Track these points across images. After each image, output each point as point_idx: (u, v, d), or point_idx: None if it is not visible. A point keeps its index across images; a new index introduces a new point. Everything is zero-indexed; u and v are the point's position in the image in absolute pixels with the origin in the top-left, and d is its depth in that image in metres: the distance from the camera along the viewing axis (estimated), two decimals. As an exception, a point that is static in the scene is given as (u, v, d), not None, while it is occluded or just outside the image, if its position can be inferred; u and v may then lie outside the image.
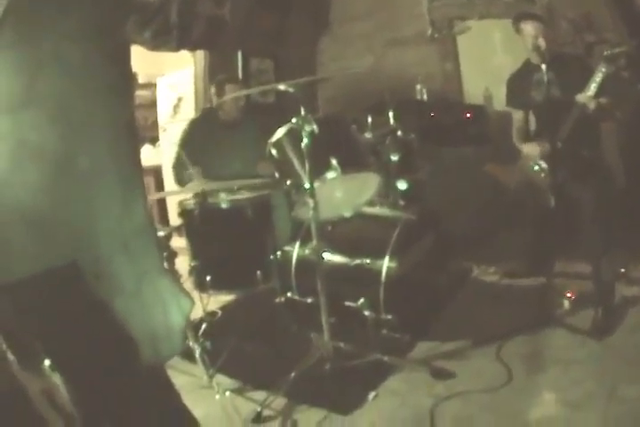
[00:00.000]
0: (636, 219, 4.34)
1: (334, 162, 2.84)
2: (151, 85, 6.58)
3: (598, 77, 3.35)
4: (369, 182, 3.13)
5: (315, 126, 2.69)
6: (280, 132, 2.91)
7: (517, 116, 4.13)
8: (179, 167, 3.99)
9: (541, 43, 3.64)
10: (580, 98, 3.42)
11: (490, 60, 6.02)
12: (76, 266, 1.06)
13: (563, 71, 3.64)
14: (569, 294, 3.52)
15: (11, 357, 2.11)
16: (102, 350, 1.20)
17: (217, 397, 2.80)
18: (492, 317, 3.52)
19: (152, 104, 6.48)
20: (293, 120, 2.76)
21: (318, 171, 2.79)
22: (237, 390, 2.93)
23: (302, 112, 2.72)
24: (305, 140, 2.68)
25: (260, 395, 2.82)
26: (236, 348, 3.15)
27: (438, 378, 2.86)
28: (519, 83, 4.02)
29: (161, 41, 4.55)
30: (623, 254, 3.88)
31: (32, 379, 2.11)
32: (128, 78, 1.25)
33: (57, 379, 2.17)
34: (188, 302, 1.11)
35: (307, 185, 2.72)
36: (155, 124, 6.38)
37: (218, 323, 3.58)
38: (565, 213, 3.53)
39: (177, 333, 1.11)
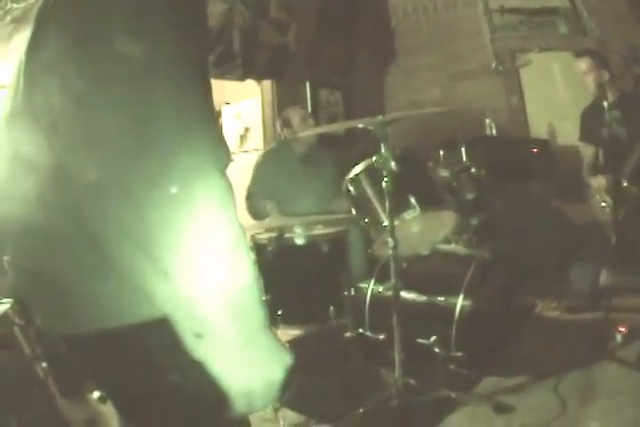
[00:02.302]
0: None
1: (413, 200, 2.84)
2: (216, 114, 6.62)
3: None
4: (445, 220, 3.12)
5: (394, 164, 2.69)
6: (358, 169, 2.92)
7: (589, 151, 4.23)
8: (252, 199, 4.02)
9: (594, 79, 3.99)
10: None
11: (551, 94, 6.06)
12: (165, 322, 1.03)
13: (629, 110, 3.80)
14: (622, 328, 3.48)
15: (52, 386, 2.13)
16: (178, 409, 1.19)
17: None
18: (553, 351, 3.51)
19: (217, 132, 6.50)
20: (374, 158, 2.75)
21: (397, 209, 2.78)
22: (302, 425, 2.92)
23: (382, 150, 2.72)
24: (385, 179, 2.67)
25: (324, 430, 2.81)
26: (303, 382, 3.13)
27: (499, 412, 2.83)
28: (592, 118, 4.12)
29: (225, 69, 4.58)
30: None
31: (75, 408, 2.13)
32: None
33: (104, 409, 2.18)
34: (288, 356, 1.09)
35: (386, 223, 2.71)
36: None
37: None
38: (625, 249, 3.56)
39: (274, 387, 1.08)
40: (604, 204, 3.76)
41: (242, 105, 6.05)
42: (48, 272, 1.13)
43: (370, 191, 2.87)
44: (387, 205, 2.69)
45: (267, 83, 5.49)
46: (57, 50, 1.04)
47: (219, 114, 6.36)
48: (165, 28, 1.03)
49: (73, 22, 1.04)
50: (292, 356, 1.09)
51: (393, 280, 2.82)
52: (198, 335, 1.00)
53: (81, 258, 1.10)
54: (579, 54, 4.22)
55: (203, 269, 0.98)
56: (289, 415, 2.93)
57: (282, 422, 2.79)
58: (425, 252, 3.07)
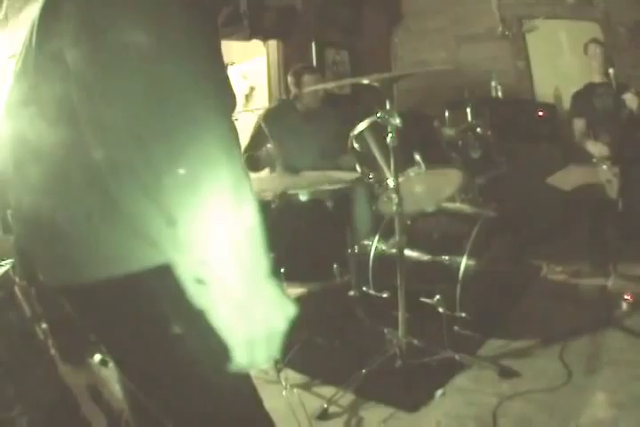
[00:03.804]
0: None
1: (418, 157, 2.82)
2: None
3: None
4: (451, 178, 3.10)
5: (399, 121, 2.66)
6: (363, 125, 2.89)
7: (579, 123, 4.59)
8: (257, 138, 4.05)
9: (596, 65, 4.51)
10: (627, 96, 4.08)
11: (557, 59, 6.08)
12: (168, 270, 1.03)
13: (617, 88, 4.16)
14: (627, 297, 3.52)
15: (53, 350, 2.13)
16: (182, 359, 1.19)
17: (284, 393, 2.71)
18: (558, 316, 3.52)
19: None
20: (378, 114, 2.71)
21: (402, 166, 2.76)
22: (305, 386, 2.92)
23: (387, 106, 2.67)
24: (390, 135, 2.63)
25: (327, 391, 2.81)
26: (306, 342, 3.12)
27: (504, 377, 2.84)
28: (581, 98, 4.64)
29: (232, 29, 4.53)
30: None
31: (76, 373, 2.12)
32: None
33: (106, 374, 2.18)
34: (291, 307, 1.08)
35: (391, 180, 2.69)
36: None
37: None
38: (631, 215, 3.72)
39: (276, 339, 1.07)
40: (605, 167, 3.94)
41: (247, 64, 6.00)
42: (50, 219, 1.12)
43: (374, 147, 2.85)
44: (391, 161, 2.66)
45: (272, 42, 5.43)
46: (66, 35, 1.03)
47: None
48: (178, 12, 1.02)
49: (83, 5, 1.03)
50: (295, 308, 1.07)
51: (397, 237, 2.80)
52: (201, 282, 1.00)
53: (85, 203, 1.10)
54: (588, 41, 4.67)
55: (207, 214, 0.98)
56: (292, 376, 2.94)
57: (284, 383, 2.77)
58: (430, 209, 3.07)
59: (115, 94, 0.97)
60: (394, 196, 2.69)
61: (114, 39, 0.96)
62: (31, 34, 1.14)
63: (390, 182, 2.69)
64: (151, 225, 1.03)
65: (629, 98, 4.10)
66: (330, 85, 3.89)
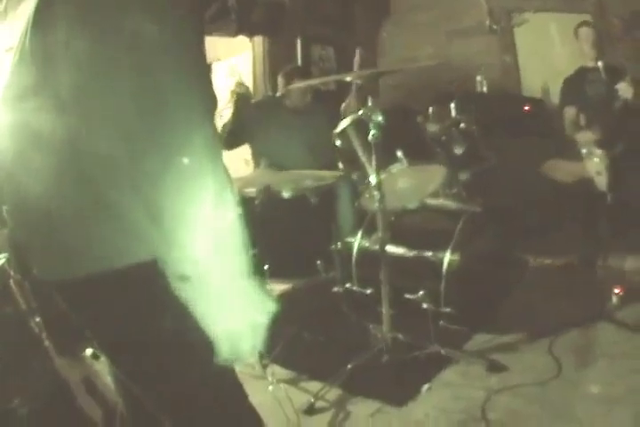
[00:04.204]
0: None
1: (400, 154, 2.83)
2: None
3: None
4: (434, 174, 3.12)
5: (381, 117, 2.66)
6: (345, 122, 2.89)
7: (571, 111, 4.49)
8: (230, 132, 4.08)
9: (589, 48, 4.39)
10: (620, 86, 3.93)
11: (547, 53, 6.04)
12: (154, 266, 1.06)
13: (611, 77, 4.09)
14: (617, 290, 3.49)
15: (47, 343, 2.14)
16: (171, 353, 1.21)
17: (270, 388, 2.72)
18: (547, 310, 3.52)
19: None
20: (360, 111, 2.72)
21: (384, 162, 2.78)
22: (291, 381, 2.92)
23: (370, 103, 2.68)
24: (372, 132, 2.64)
25: (314, 386, 2.81)
26: (292, 337, 3.12)
27: (492, 371, 2.85)
28: (573, 84, 4.55)
29: (219, 24, 4.49)
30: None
31: (71, 366, 2.14)
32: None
33: (99, 367, 2.20)
34: (273, 304, 1.11)
35: (373, 177, 2.69)
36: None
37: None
38: (621, 207, 3.67)
39: (257, 332, 1.10)
40: (596, 159, 3.85)
41: (233, 60, 5.98)
42: (45, 214, 1.15)
43: (357, 145, 2.85)
44: (373, 157, 2.67)
45: (258, 38, 5.43)
46: (65, 27, 1.06)
47: (210, 70, 6.31)
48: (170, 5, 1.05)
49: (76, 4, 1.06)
50: (276, 304, 1.10)
51: (380, 234, 2.81)
52: (184, 278, 1.03)
53: (76, 199, 1.12)
54: (579, 24, 4.57)
55: (191, 215, 1.01)
56: (278, 372, 2.93)
57: (270, 379, 2.78)
58: (412, 205, 3.08)
59: (105, 97, 0.99)
60: (376, 193, 2.69)
61: (106, 40, 0.98)
62: (27, 27, 1.15)
63: (372, 179, 2.70)
64: (139, 221, 1.07)
65: (623, 88, 3.97)
66: (314, 82, 3.88)
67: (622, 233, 3.89)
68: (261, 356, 2.91)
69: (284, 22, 5.21)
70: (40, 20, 1.13)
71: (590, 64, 4.40)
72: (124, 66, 1.01)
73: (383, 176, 2.71)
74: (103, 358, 1.86)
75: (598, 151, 3.89)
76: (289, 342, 3.06)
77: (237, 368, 1.32)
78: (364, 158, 2.82)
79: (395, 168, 2.84)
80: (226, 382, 1.33)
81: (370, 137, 2.65)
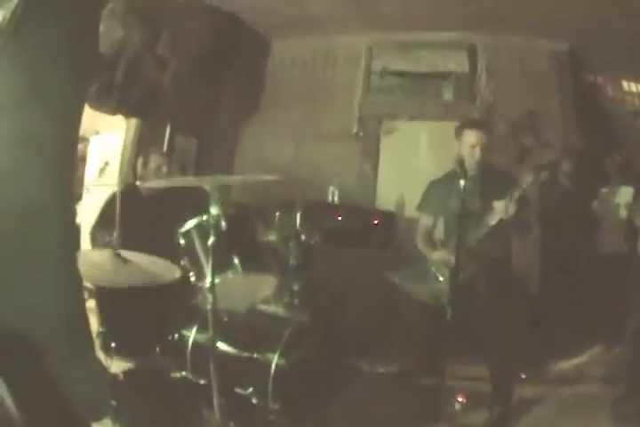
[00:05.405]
0: (543, 325, 4.70)
1: (236, 261, 3.01)
2: (84, 140, 6.51)
3: (517, 191, 3.52)
4: (265, 283, 3.32)
5: (223, 225, 2.82)
6: (190, 224, 3.05)
7: (427, 221, 4.23)
8: (95, 231, 4.11)
9: (477, 153, 3.89)
10: (497, 205, 3.56)
11: (410, 163, 6.17)
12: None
13: (487, 183, 3.86)
14: (460, 399, 3.62)
15: None
16: None
17: None
18: (382, 411, 3.64)
19: (82, 159, 6.39)
20: (204, 217, 2.89)
21: (221, 267, 2.93)
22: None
23: (214, 211, 2.81)
24: (212, 239, 2.77)
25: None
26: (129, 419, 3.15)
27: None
28: (439, 189, 4.14)
29: (102, 100, 4.53)
30: (524, 358, 4.04)
31: None
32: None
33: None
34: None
35: (208, 279, 2.81)
36: (81, 181, 6.26)
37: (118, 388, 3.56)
38: (464, 317, 3.55)
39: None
40: (441, 278, 3.76)
41: (106, 138, 6.05)
42: None
43: (198, 246, 3.01)
44: (209, 262, 2.80)
45: (132, 121, 5.52)
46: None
47: (87, 142, 6.31)
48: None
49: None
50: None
51: (210, 332, 2.91)
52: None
53: None
54: (468, 125, 4.09)
55: None
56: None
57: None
58: (242, 310, 3.23)
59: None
60: (209, 295, 2.81)
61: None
62: None
63: (207, 282, 2.83)
64: None
65: (500, 207, 3.54)
66: (162, 184, 3.96)
67: (463, 343, 3.72)
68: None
69: (158, 106, 5.30)
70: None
71: (468, 168, 3.69)
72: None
73: (218, 280, 2.82)
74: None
75: (447, 273, 3.66)
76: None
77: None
78: (203, 260, 2.96)
79: (231, 273, 3.00)
80: None
81: (209, 242, 2.78)
